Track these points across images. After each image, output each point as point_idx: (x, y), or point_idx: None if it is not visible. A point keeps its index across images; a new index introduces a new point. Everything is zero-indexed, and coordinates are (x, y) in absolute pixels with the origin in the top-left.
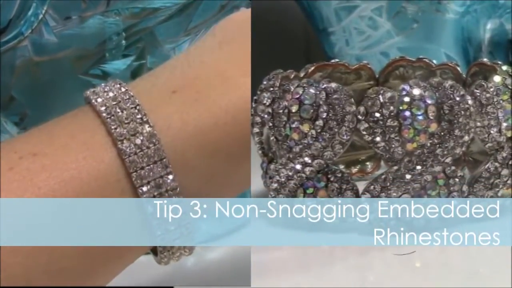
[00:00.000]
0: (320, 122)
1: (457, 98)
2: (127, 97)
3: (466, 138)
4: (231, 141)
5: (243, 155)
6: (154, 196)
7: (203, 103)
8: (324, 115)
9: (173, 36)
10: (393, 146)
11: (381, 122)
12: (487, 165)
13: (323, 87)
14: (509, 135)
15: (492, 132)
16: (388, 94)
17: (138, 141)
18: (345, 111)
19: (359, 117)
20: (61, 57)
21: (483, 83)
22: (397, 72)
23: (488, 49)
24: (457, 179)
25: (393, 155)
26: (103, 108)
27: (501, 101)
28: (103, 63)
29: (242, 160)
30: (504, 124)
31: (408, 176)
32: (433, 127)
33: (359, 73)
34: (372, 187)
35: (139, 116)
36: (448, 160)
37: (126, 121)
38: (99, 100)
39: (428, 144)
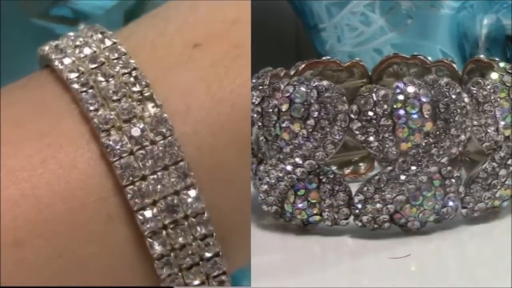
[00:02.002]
0: (311, 122)
1: (453, 96)
2: (116, 55)
3: (463, 137)
4: None
5: None
6: (164, 227)
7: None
8: (316, 114)
9: None
10: (387, 146)
11: (374, 121)
12: (484, 165)
13: (314, 85)
14: (507, 134)
15: (489, 131)
16: (382, 92)
17: (135, 132)
18: (337, 110)
19: (352, 116)
20: None
21: (480, 81)
22: (390, 69)
23: (485, 45)
24: (453, 180)
25: (387, 155)
26: (73, 75)
27: (498, 99)
28: None
29: None
30: (502, 123)
31: (402, 177)
32: (428, 126)
33: (351, 71)
34: (365, 188)
35: (137, 88)
36: (444, 160)
37: (114, 97)
38: (67, 61)
39: (423, 144)
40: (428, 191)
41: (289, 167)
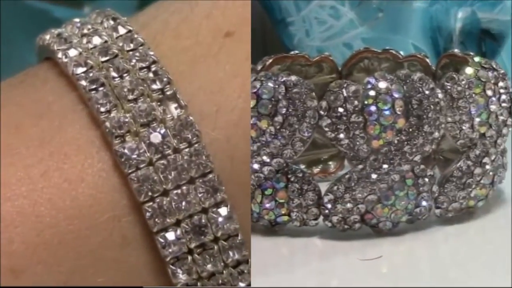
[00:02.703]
0: (279, 118)
1: (426, 92)
2: (132, 46)
3: (436, 134)
4: None
5: None
6: (189, 252)
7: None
8: (284, 110)
9: None
10: (357, 143)
11: (344, 118)
12: (458, 164)
13: (282, 80)
14: (482, 131)
15: (464, 128)
16: (352, 88)
17: (155, 138)
18: (306, 106)
19: (321, 112)
20: None
21: (454, 76)
22: (361, 64)
23: (459, 39)
24: (426, 179)
25: (357, 153)
26: (80, 70)
27: (473, 95)
28: None
29: None
30: (477, 120)
31: (374, 176)
32: (401, 122)
33: (320, 66)
34: (335, 187)
35: (157, 86)
36: (417, 158)
37: (130, 97)
38: (73, 53)
39: (395, 141)
40: (400, 190)
41: (256, 166)
